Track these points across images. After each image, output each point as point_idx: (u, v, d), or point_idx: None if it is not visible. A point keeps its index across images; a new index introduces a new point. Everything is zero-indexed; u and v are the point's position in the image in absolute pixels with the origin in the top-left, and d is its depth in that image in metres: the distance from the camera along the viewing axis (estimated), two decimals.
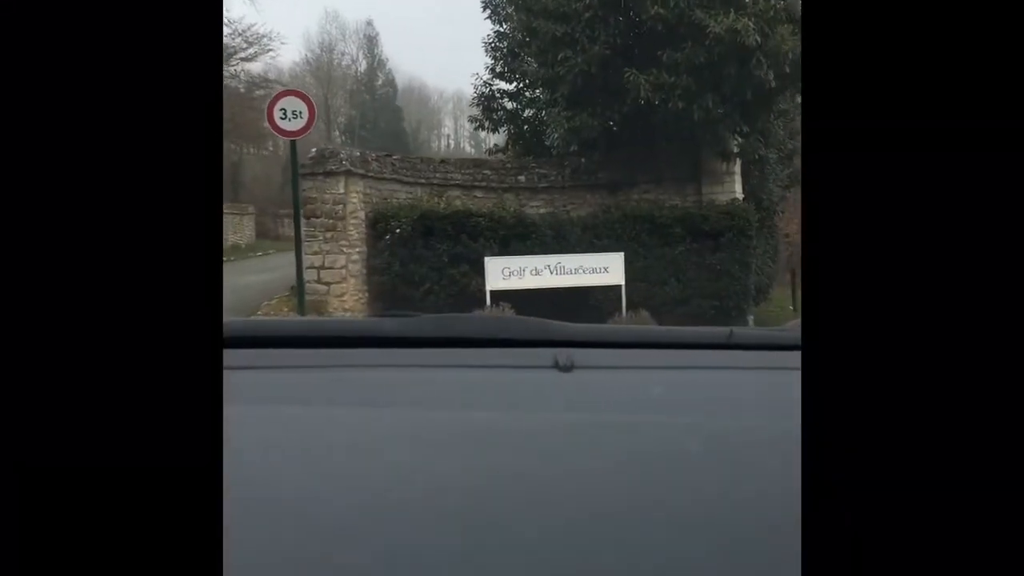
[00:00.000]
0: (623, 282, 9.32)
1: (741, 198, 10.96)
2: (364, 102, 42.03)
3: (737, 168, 11.14)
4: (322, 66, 41.60)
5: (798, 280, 20.43)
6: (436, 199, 10.65)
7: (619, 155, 10.98)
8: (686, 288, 9.99)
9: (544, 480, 0.54)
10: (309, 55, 41.81)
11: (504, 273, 9.06)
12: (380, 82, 43.96)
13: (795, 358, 0.56)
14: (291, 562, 0.44)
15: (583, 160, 11.12)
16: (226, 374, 0.53)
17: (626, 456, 0.59)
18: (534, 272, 9.12)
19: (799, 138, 15.17)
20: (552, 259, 9.32)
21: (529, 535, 0.46)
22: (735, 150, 10.53)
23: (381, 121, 41.14)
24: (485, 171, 11.45)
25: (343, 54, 43.29)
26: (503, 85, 13.56)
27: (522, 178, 11.36)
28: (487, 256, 9.18)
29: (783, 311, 15.26)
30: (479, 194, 11.15)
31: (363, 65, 43.93)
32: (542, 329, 0.99)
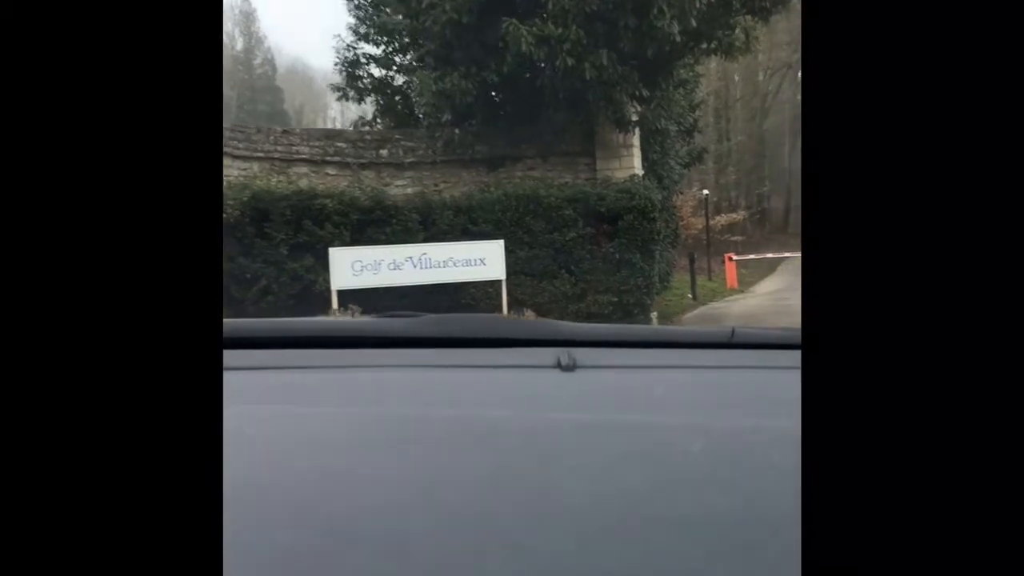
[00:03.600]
0: (503, 276, 7.66)
1: (641, 175, 9.48)
2: (241, 81, 39.16)
3: (636, 141, 9.66)
4: None
5: (699, 266, 19.80)
6: (277, 177, 8.64)
7: (499, 125, 9.32)
8: (579, 282, 8.42)
9: (546, 480, 0.54)
10: None
11: (355, 268, 7.21)
12: (258, 61, 41.23)
13: (797, 357, 0.55)
14: (291, 563, 0.44)
15: (457, 131, 9.40)
16: (226, 375, 0.53)
17: (628, 456, 0.58)
18: (393, 266, 7.31)
19: (700, 111, 14.02)
20: (415, 249, 7.52)
21: (531, 535, 0.46)
22: (634, 118, 9.02)
23: (260, 102, 38.48)
24: (339, 143, 9.49)
25: None
26: (369, 48, 11.57)
27: (384, 152, 9.49)
28: (332, 247, 7.29)
29: (683, 300, 14.08)
30: (332, 171, 9.22)
31: (239, 43, 40.95)
32: (544, 329, 1.03)
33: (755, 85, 30.66)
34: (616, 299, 8.42)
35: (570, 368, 0.84)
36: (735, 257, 18.38)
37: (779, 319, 10.32)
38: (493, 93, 9.15)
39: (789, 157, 33.00)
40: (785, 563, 0.43)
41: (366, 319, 1.15)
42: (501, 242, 7.73)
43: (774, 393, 0.78)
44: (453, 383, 0.83)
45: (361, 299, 6.63)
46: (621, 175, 9.10)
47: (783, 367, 0.84)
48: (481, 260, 7.55)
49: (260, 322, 1.10)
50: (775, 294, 15.40)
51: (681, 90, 11.08)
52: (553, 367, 0.84)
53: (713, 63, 29.90)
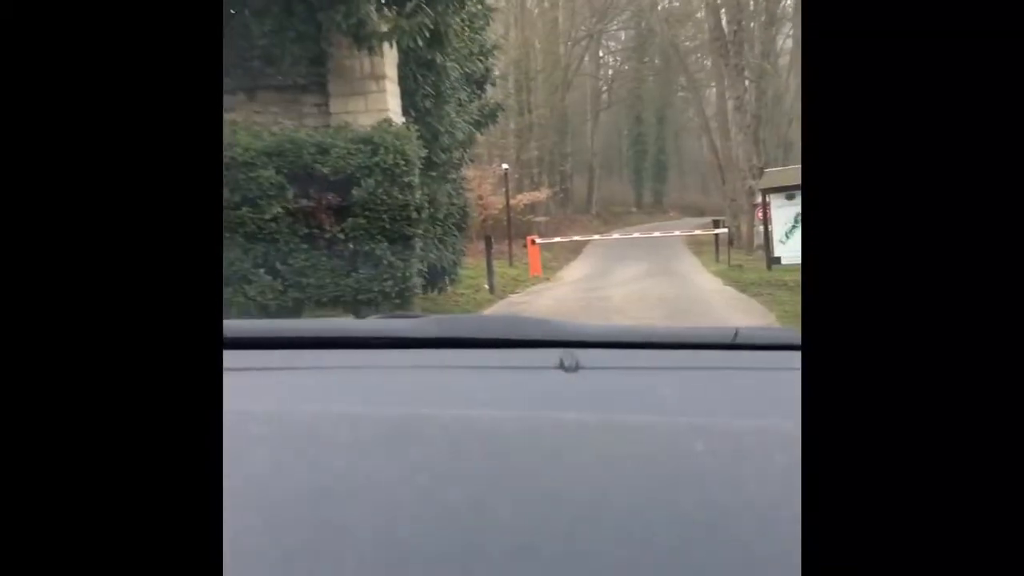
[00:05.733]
0: None
1: (399, 123, 6.35)
2: None
3: (391, 71, 6.51)
4: None
5: (500, 249, 17.40)
6: None
7: None
8: (289, 287, 5.17)
9: (549, 481, 0.54)
10: None
11: None
12: None
13: (799, 359, 0.56)
14: (291, 563, 0.44)
15: None
16: (226, 375, 0.53)
17: (631, 456, 0.58)
18: None
19: (495, 61, 11.16)
20: None
21: (533, 536, 0.47)
22: (382, 29, 5.84)
23: None
24: None
25: None
26: None
27: None
28: None
29: (478, 294, 11.28)
30: None
31: None
32: (547, 329, 1.01)
33: (556, 57, 28.84)
34: (351, 313, 5.27)
35: (573, 369, 0.84)
36: (538, 240, 16.08)
37: (590, 315, 8.68)
38: None
39: (592, 135, 31.82)
40: (785, 563, 0.43)
41: (367, 320, 1.16)
42: None
43: (777, 394, 0.78)
44: (455, 384, 0.83)
45: None
46: (367, 120, 5.93)
47: (786, 368, 0.82)
48: None
49: (260, 323, 1.17)
50: (584, 283, 13.46)
51: (466, 20, 8.17)
52: (556, 368, 0.84)
53: (512, 33, 28.04)
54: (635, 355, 0.95)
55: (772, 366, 0.90)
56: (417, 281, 5.76)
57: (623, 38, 35.25)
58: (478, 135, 10.38)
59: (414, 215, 5.35)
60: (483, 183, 21.17)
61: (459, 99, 8.70)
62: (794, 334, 0.99)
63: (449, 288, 10.31)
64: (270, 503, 0.49)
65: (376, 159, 5.20)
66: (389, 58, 6.30)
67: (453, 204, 8.59)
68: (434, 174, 7.74)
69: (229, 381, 0.53)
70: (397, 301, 5.30)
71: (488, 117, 9.70)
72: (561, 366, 0.84)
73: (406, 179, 5.21)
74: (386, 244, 5.27)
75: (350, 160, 5.21)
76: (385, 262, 5.28)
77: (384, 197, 5.19)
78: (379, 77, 6.28)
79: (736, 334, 1.00)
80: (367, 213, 5.27)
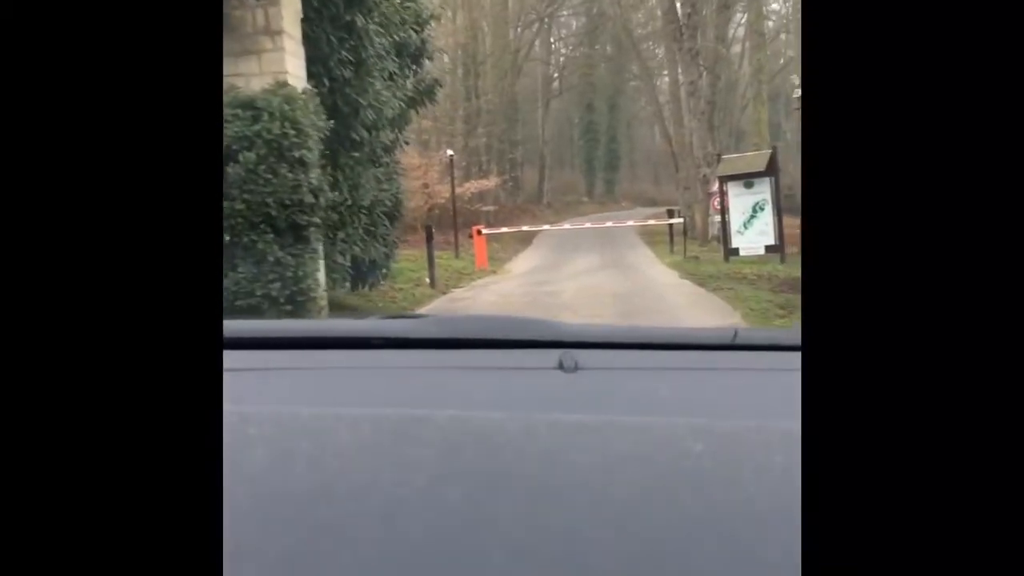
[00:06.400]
0: None
1: (299, 88, 5.28)
2: None
3: (293, 29, 5.47)
4: None
5: (447, 240, 16.48)
6: None
7: None
8: None
9: (548, 482, 0.54)
10: None
11: None
12: None
13: (799, 359, 0.56)
14: (291, 564, 0.44)
15: None
16: (226, 376, 0.53)
17: (630, 457, 0.58)
18: None
19: (432, 31, 10.14)
20: None
21: (532, 537, 0.47)
22: None
23: None
24: None
25: None
26: None
27: None
28: None
29: (419, 289, 10.41)
30: None
31: None
32: (547, 330, 1.01)
33: (505, 41, 27.88)
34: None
35: (572, 370, 0.83)
36: (485, 230, 15.19)
37: (537, 313, 7.87)
38: None
39: (542, 123, 31.02)
40: (785, 564, 0.43)
41: (368, 320, 1.16)
42: None
43: (776, 395, 0.78)
44: (455, 384, 0.83)
45: None
46: (260, 83, 4.88)
47: (785, 369, 0.81)
48: None
49: (261, 323, 1.23)
50: (532, 276, 12.70)
51: None
52: (555, 369, 0.84)
53: (459, 15, 27.02)
54: (634, 356, 0.96)
55: (771, 367, 0.91)
56: (316, 282, 4.65)
57: (574, 26, 34.50)
58: (413, 114, 9.38)
59: (309, 199, 4.27)
60: (429, 171, 20.17)
61: (390, 72, 7.71)
62: (794, 334, 0.97)
63: (383, 283, 9.33)
64: (270, 503, 0.49)
65: (257, 127, 4.10)
66: (289, 10, 5.23)
67: (383, 190, 7.61)
68: (357, 155, 6.75)
69: (229, 381, 0.53)
70: (288, 307, 4.23)
71: (424, 94, 8.70)
72: (560, 367, 0.84)
73: (296, 154, 4.13)
74: (272, 236, 4.18)
75: (225, 128, 4.14)
76: (271, 259, 4.18)
77: (268, 176, 4.09)
78: (275, 33, 5.19)
79: (735, 335, 1.01)
80: (246, 196, 4.17)
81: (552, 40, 33.26)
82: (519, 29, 28.56)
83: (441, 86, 8.99)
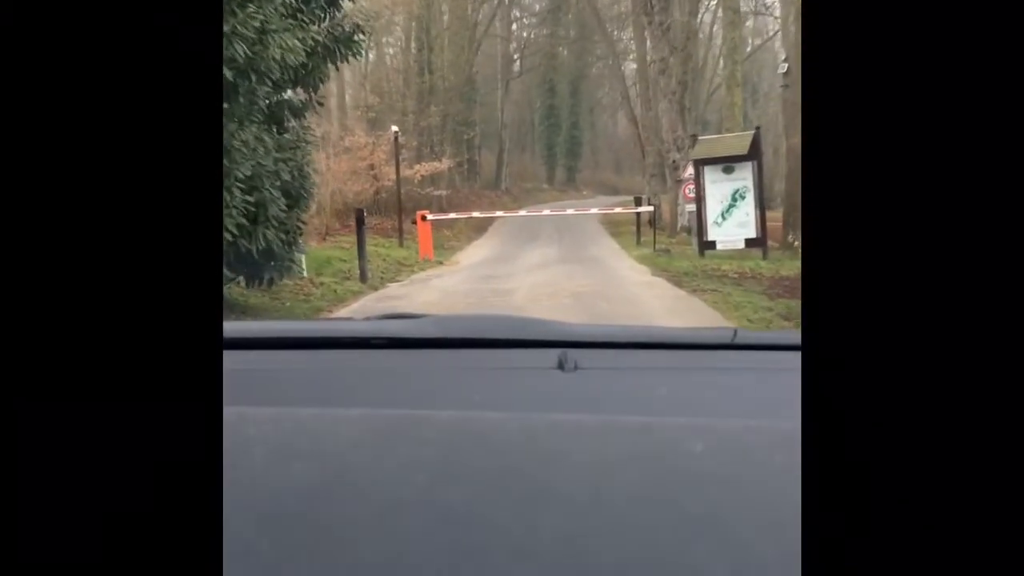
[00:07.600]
0: None
1: None
2: None
3: None
4: None
5: (392, 226, 14.72)
6: None
7: None
8: None
9: (547, 482, 0.54)
10: None
11: None
12: None
13: (799, 359, 0.57)
14: (291, 564, 0.44)
15: None
16: (226, 376, 0.54)
17: (629, 457, 0.58)
18: None
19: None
20: None
21: (532, 536, 0.47)
22: None
23: None
24: None
25: None
26: None
27: None
28: None
29: (346, 284, 8.86)
30: None
31: None
32: (546, 330, 1.03)
33: (463, 14, 26.09)
34: None
35: (571, 370, 0.84)
36: (431, 216, 13.50)
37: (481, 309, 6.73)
38: None
39: (502, 105, 29.33)
40: (785, 564, 0.44)
41: (368, 320, 1.15)
42: None
43: (776, 395, 0.78)
44: (454, 384, 0.84)
45: None
46: None
47: (785, 369, 0.82)
48: None
49: (261, 324, 1.17)
50: (482, 268, 11.07)
51: None
52: (554, 368, 0.85)
53: None
54: (634, 356, 0.97)
55: (771, 367, 0.91)
56: None
57: (537, 8, 32.79)
58: (333, 71, 7.63)
59: None
60: (376, 150, 18.37)
61: (291, 6, 5.97)
62: (792, 335, 1.00)
63: (296, 278, 7.59)
64: (269, 503, 0.49)
65: None
66: None
67: (280, 160, 5.88)
68: (227, 106, 5.02)
69: (229, 381, 0.54)
70: None
71: (342, 43, 6.97)
72: (560, 367, 0.85)
73: None
74: None
75: None
76: None
77: None
78: None
79: (735, 335, 1.02)
80: None
81: (513, 17, 31.49)
82: (478, 1, 26.76)
83: (364, 34, 7.25)
